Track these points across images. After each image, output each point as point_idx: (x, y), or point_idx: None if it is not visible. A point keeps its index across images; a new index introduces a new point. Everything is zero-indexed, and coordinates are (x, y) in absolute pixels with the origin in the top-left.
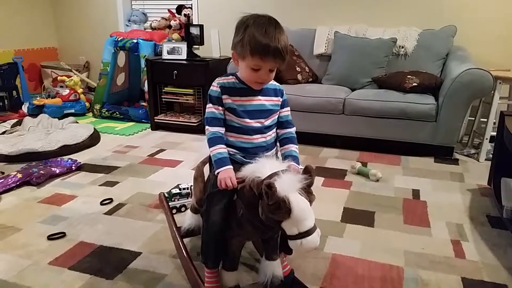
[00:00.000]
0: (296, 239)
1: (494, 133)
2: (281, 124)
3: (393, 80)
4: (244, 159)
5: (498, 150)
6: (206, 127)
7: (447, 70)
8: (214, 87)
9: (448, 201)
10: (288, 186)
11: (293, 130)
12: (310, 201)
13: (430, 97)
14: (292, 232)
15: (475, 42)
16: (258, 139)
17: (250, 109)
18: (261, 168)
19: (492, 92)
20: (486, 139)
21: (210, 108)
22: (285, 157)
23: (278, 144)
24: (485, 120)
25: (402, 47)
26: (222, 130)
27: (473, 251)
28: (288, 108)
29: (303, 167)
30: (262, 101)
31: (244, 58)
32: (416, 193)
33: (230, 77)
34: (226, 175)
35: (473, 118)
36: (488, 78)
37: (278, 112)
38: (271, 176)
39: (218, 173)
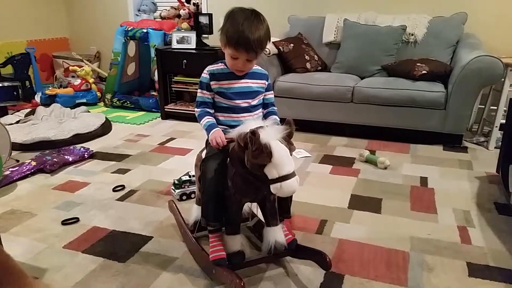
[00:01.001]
0: (276, 183)
1: (504, 121)
2: (266, 105)
3: (402, 68)
4: None
5: (507, 137)
6: (195, 109)
7: (457, 57)
8: (204, 74)
9: (456, 188)
10: (270, 134)
11: (275, 109)
12: (290, 150)
13: (440, 85)
14: (273, 175)
15: (486, 29)
16: (246, 117)
17: (237, 91)
18: (247, 127)
19: (503, 79)
20: (496, 127)
21: (200, 93)
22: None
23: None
24: (495, 108)
25: (412, 35)
26: (210, 110)
27: (479, 237)
28: (272, 92)
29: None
30: (249, 83)
31: (225, 47)
32: (424, 181)
33: (220, 64)
34: (216, 134)
35: (483, 106)
36: (499, 66)
37: (263, 94)
38: (256, 128)
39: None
